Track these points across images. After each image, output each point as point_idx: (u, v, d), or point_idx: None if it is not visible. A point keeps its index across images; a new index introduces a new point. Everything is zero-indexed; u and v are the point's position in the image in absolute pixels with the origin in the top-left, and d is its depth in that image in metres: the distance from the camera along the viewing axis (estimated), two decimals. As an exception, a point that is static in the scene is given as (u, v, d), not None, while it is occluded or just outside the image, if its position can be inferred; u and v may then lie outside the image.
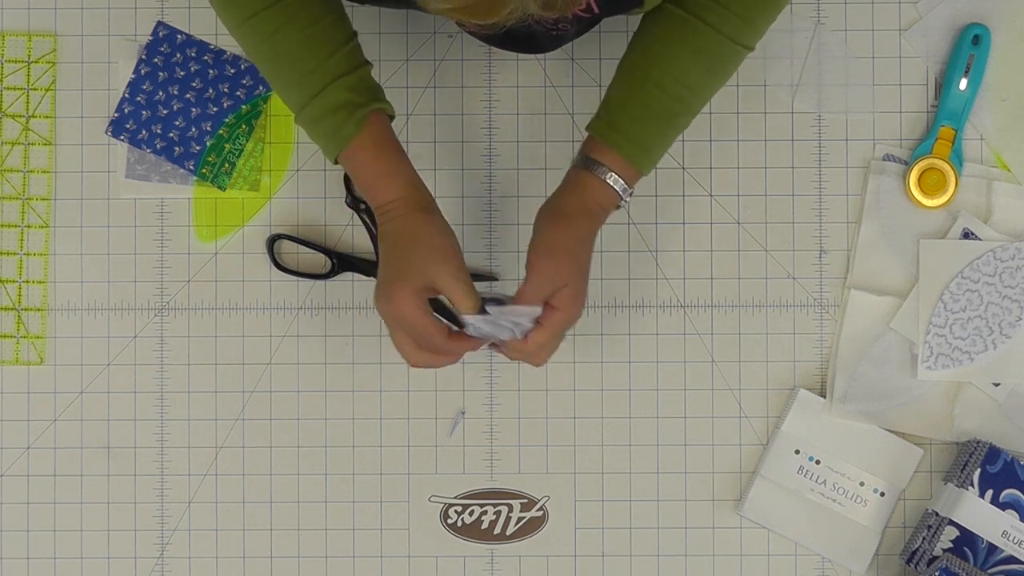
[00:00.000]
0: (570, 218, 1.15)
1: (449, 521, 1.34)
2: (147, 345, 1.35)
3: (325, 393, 1.34)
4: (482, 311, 1.13)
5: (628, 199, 1.17)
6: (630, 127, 1.15)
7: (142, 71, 1.35)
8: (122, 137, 1.35)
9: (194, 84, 1.34)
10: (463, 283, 1.13)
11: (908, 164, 1.34)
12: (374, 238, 1.34)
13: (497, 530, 1.34)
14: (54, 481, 1.34)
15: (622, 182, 1.15)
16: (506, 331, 1.14)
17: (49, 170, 1.35)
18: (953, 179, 1.33)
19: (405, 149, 1.15)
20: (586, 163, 1.16)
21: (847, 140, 1.35)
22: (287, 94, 1.14)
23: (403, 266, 1.13)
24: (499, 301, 1.14)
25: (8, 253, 1.35)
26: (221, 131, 1.34)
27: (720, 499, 1.34)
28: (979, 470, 1.29)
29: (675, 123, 1.16)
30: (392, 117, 1.16)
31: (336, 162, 1.15)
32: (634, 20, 1.34)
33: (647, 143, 1.16)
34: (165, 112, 1.34)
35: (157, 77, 1.35)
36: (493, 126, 1.35)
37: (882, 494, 1.33)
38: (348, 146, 1.13)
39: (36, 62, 1.35)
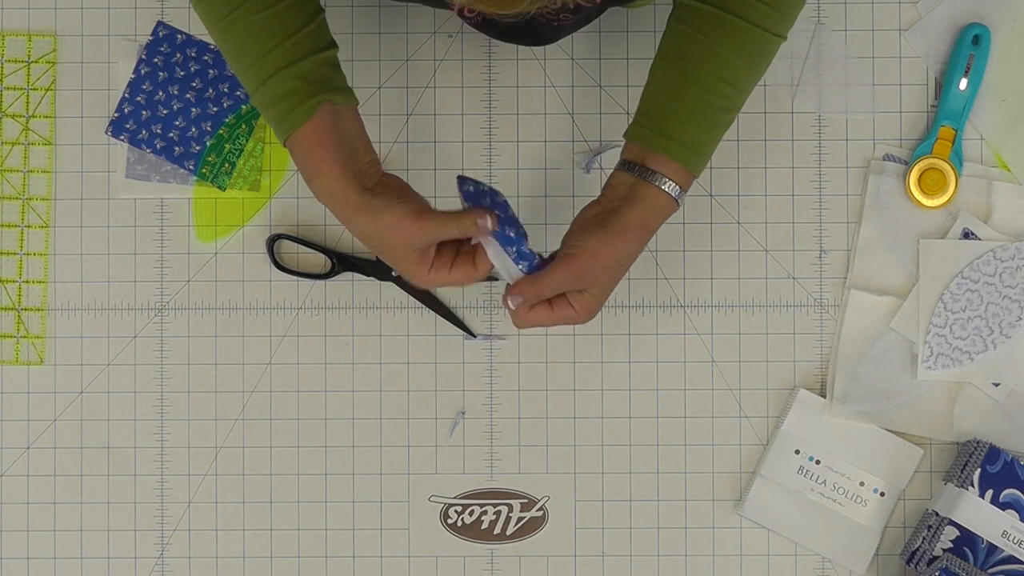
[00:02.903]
0: (629, 233, 1.13)
1: (449, 521, 1.34)
2: (147, 345, 1.35)
3: (325, 393, 1.34)
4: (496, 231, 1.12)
5: (683, 203, 1.16)
6: (678, 131, 1.13)
7: (142, 71, 1.35)
8: (122, 137, 1.35)
9: (194, 84, 1.34)
10: (451, 224, 1.11)
11: (908, 164, 1.34)
12: (374, 238, 1.34)
13: (497, 530, 1.34)
14: (54, 481, 1.34)
15: (678, 188, 1.13)
16: (507, 274, 1.13)
17: (49, 170, 1.35)
18: (953, 179, 1.33)
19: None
20: (642, 173, 1.13)
21: (847, 140, 1.35)
22: (240, 77, 1.13)
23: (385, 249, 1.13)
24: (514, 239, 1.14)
25: (8, 253, 1.35)
26: (221, 131, 1.34)
27: (720, 499, 1.34)
28: (979, 470, 1.29)
29: (721, 120, 1.15)
30: (355, 103, 1.14)
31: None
32: (634, 19, 1.34)
33: (697, 145, 1.14)
34: (165, 112, 1.34)
35: (157, 77, 1.35)
36: (493, 126, 1.35)
37: (882, 494, 1.33)
38: (292, 136, 1.12)
39: (36, 62, 1.35)
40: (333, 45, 1.14)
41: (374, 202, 1.11)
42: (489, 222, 1.12)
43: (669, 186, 1.13)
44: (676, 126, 1.13)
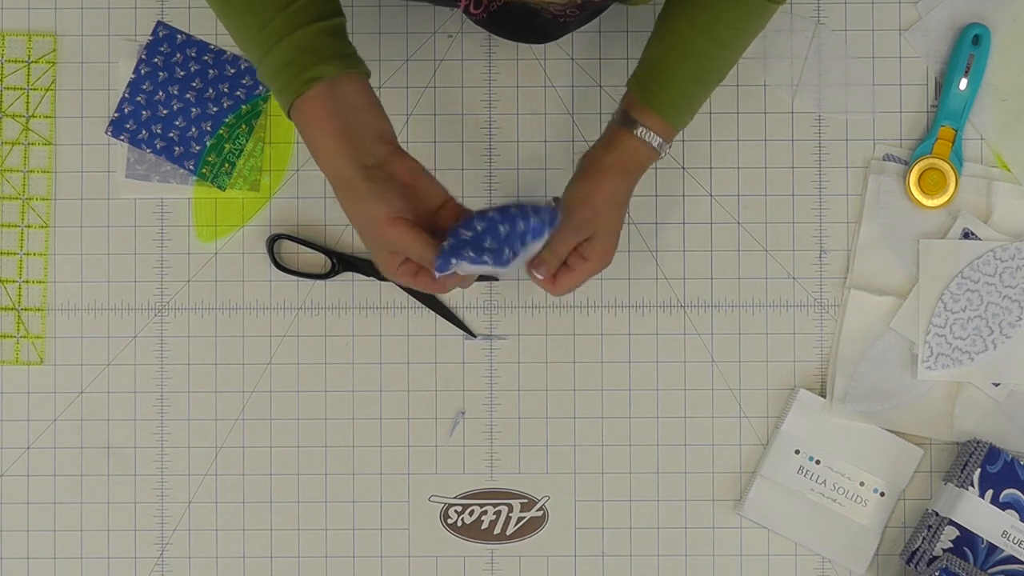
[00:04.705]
0: (607, 174, 1.19)
1: (449, 521, 1.34)
2: (147, 345, 1.35)
3: (325, 393, 1.34)
4: (473, 224, 1.10)
5: (667, 151, 1.20)
6: (667, 87, 1.18)
7: (142, 71, 1.35)
8: (122, 137, 1.35)
9: (194, 84, 1.34)
10: (413, 247, 1.10)
11: (908, 164, 1.34)
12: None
13: (497, 530, 1.34)
14: (54, 481, 1.34)
15: (659, 139, 1.19)
16: (486, 265, 1.10)
17: (49, 170, 1.35)
18: (953, 179, 1.33)
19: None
20: (625, 121, 1.19)
21: (847, 140, 1.35)
22: (247, 53, 1.12)
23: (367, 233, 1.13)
24: (506, 210, 1.11)
25: (8, 253, 1.35)
26: (221, 131, 1.34)
27: (720, 499, 1.34)
28: (979, 470, 1.29)
29: (709, 80, 1.20)
30: (363, 73, 1.12)
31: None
32: (634, 18, 1.34)
33: (682, 102, 1.19)
34: (165, 112, 1.34)
35: (157, 77, 1.35)
36: (493, 126, 1.35)
37: (882, 494, 1.33)
38: (292, 108, 1.10)
39: (36, 62, 1.35)
40: (338, 14, 1.11)
41: (362, 187, 1.10)
42: (437, 270, 1.10)
43: (642, 132, 1.18)
44: (665, 83, 1.18)
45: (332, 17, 1.11)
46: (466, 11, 1.17)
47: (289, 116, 1.12)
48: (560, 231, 1.14)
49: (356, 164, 1.10)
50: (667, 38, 1.19)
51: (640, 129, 1.18)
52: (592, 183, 1.19)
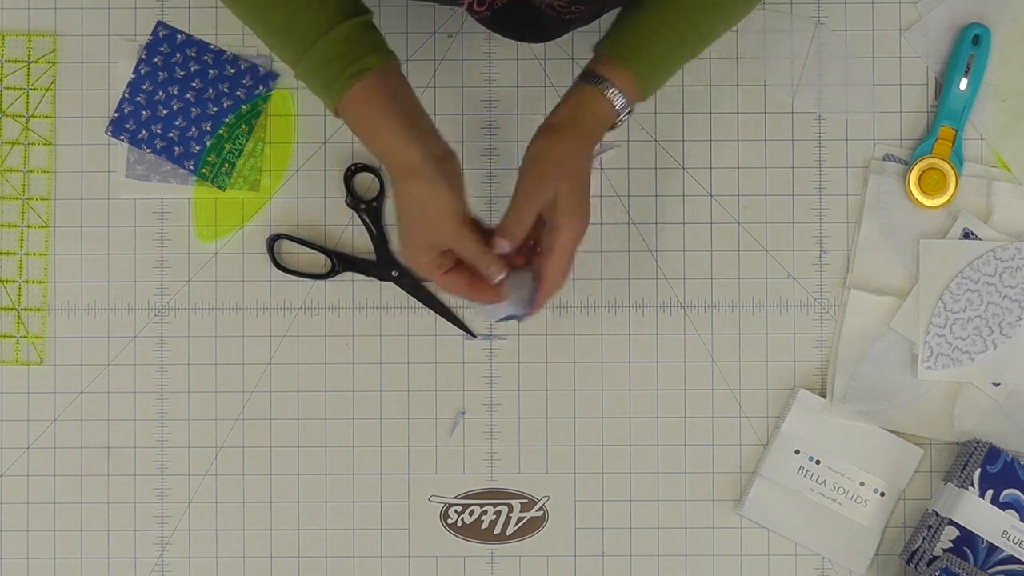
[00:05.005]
0: (558, 131, 1.14)
1: (449, 521, 1.34)
2: (147, 345, 1.35)
3: (325, 393, 1.34)
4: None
5: (625, 117, 1.15)
6: (640, 43, 1.13)
7: (142, 71, 1.35)
8: (122, 137, 1.35)
9: (194, 84, 1.34)
10: (482, 248, 1.12)
11: (908, 164, 1.34)
12: (374, 238, 1.34)
13: (497, 530, 1.34)
14: (54, 481, 1.34)
15: (622, 98, 1.13)
16: (519, 304, 1.15)
17: (49, 170, 1.35)
18: (953, 179, 1.33)
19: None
20: (586, 77, 1.14)
21: (847, 140, 1.35)
22: (279, 48, 1.11)
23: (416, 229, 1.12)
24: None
25: (8, 253, 1.35)
26: (221, 131, 1.34)
27: (720, 499, 1.34)
28: (979, 470, 1.29)
29: (684, 48, 1.15)
30: (396, 65, 1.12)
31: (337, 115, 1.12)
32: (634, 20, 1.34)
33: (654, 61, 1.14)
34: (165, 112, 1.34)
35: (157, 77, 1.35)
36: (493, 126, 1.35)
37: (882, 494, 1.33)
38: (343, 99, 1.10)
39: (36, 62, 1.35)
40: (366, 9, 1.12)
41: (436, 178, 1.08)
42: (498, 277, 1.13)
43: (611, 92, 1.12)
44: (639, 40, 1.13)
45: (364, 12, 1.11)
46: (469, 9, 1.17)
47: (336, 112, 1.11)
48: (517, 191, 1.12)
49: (426, 153, 1.09)
50: (646, 4, 1.15)
51: (602, 83, 1.13)
52: (543, 141, 1.14)
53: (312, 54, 1.09)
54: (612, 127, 1.16)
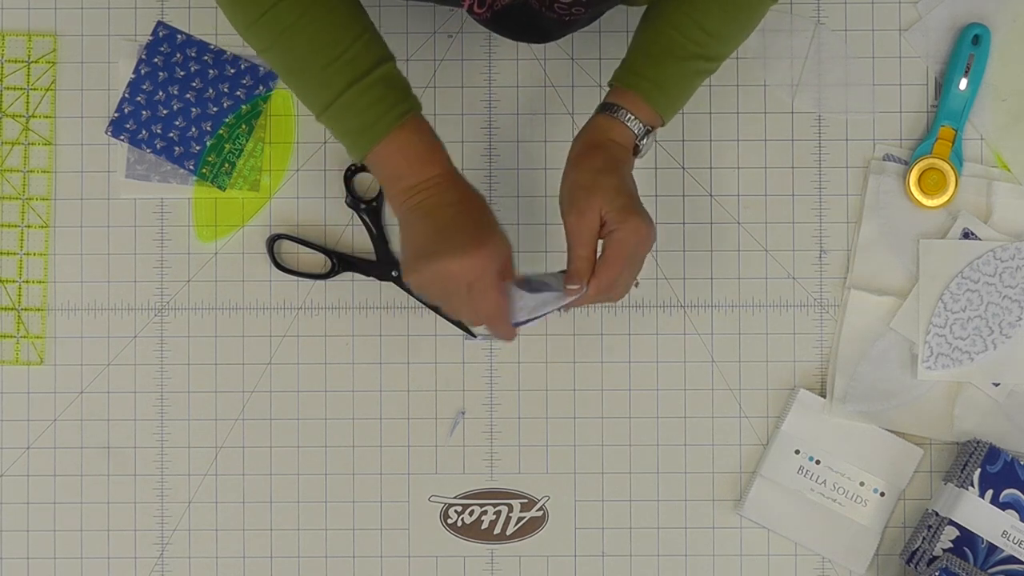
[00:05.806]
0: (580, 160, 1.13)
1: (449, 521, 1.34)
2: (147, 345, 1.35)
3: (325, 393, 1.34)
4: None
5: (648, 142, 1.15)
6: (648, 68, 1.14)
7: (142, 71, 1.35)
8: (122, 137, 1.35)
9: (194, 84, 1.34)
10: (501, 305, 1.13)
11: (908, 164, 1.34)
12: (374, 238, 1.34)
13: (497, 530, 1.34)
14: (54, 481, 1.34)
15: (638, 123, 1.14)
16: (549, 306, 1.15)
17: (49, 170, 1.35)
18: (953, 179, 1.33)
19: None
20: (602, 108, 1.15)
21: (847, 140, 1.35)
22: (307, 93, 1.11)
23: (476, 231, 1.10)
24: (528, 281, 1.15)
25: (8, 253, 1.35)
26: (221, 131, 1.35)
27: (720, 499, 1.34)
28: (979, 470, 1.29)
29: (694, 67, 1.15)
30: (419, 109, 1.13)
31: (362, 160, 1.12)
32: (634, 18, 1.34)
33: (665, 84, 1.14)
34: (165, 112, 1.34)
35: (157, 77, 1.35)
36: (493, 126, 1.35)
37: (882, 494, 1.33)
38: (384, 140, 1.09)
39: (36, 62, 1.35)
40: (391, 53, 1.12)
41: (492, 224, 1.11)
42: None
43: (627, 118, 1.13)
44: (647, 65, 1.14)
45: (391, 55, 1.11)
46: (469, 10, 1.17)
47: (365, 158, 1.10)
48: (566, 231, 1.12)
49: (480, 197, 1.11)
50: (651, 26, 1.16)
51: (618, 112, 1.14)
52: (572, 172, 1.13)
53: (351, 95, 1.08)
54: (636, 153, 1.16)
